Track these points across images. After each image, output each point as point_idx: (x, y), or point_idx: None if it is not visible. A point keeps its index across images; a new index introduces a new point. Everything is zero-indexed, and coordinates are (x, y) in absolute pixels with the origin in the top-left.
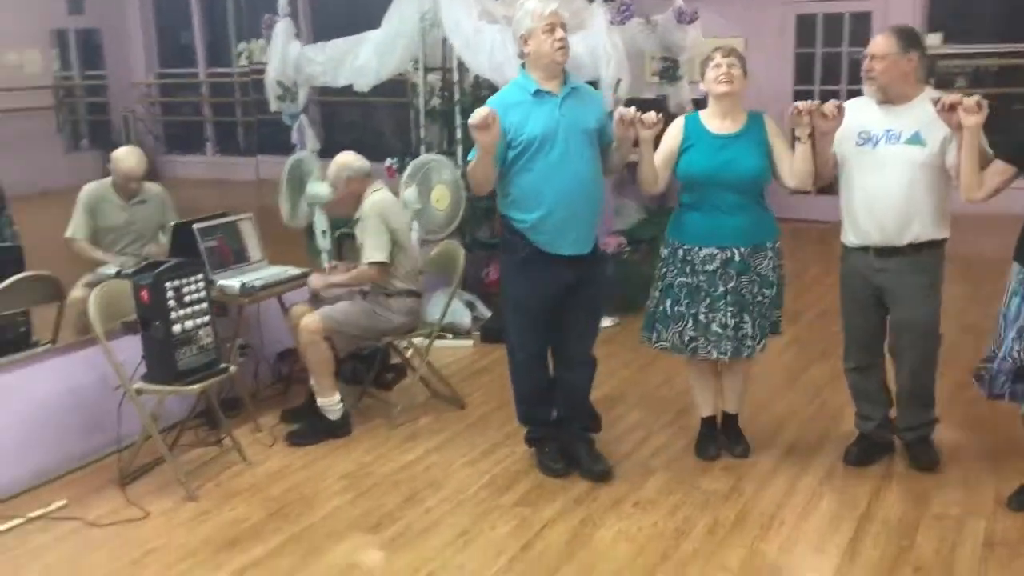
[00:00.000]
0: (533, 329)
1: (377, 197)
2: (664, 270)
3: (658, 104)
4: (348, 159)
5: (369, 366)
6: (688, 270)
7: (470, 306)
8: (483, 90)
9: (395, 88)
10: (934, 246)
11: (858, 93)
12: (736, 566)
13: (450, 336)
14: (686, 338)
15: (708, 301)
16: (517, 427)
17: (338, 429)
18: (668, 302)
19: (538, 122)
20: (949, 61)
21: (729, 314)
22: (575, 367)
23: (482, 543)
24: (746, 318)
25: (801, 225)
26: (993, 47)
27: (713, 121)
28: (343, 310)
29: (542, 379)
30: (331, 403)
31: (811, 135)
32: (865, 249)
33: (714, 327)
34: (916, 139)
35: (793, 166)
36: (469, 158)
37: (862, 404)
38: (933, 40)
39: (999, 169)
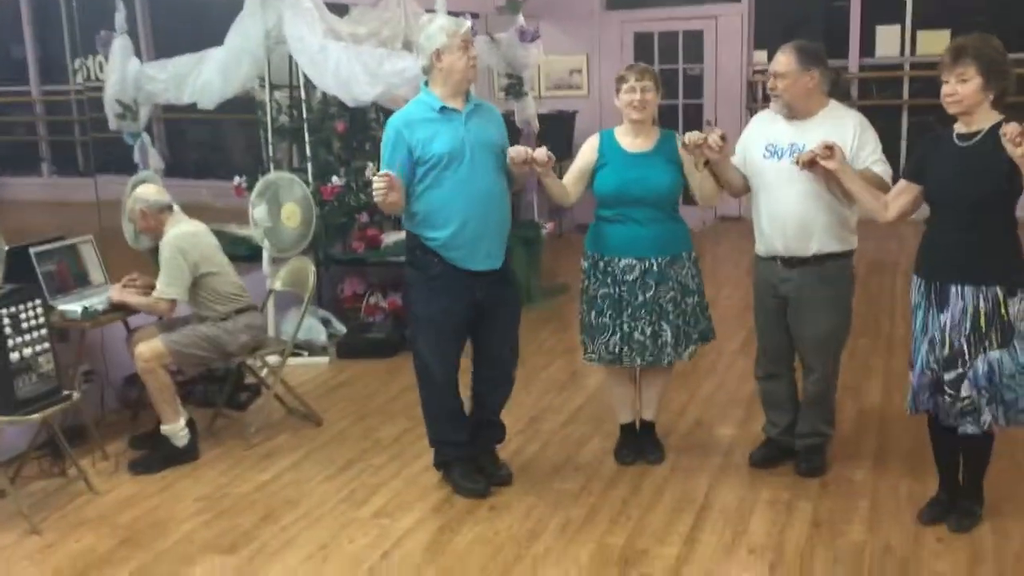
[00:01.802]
0: (446, 349)
1: (177, 231)
2: (586, 282)
3: (504, 119)
4: (143, 192)
5: (222, 387)
6: (609, 281)
7: (325, 323)
8: (331, 107)
9: (245, 105)
10: (839, 257)
11: (697, 108)
12: (586, 560)
13: (305, 353)
14: (612, 347)
15: (630, 311)
16: (375, 441)
17: (183, 455)
18: (592, 313)
19: (445, 139)
20: None
21: (647, 322)
22: (495, 381)
23: (340, 556)
24: (664, 326)
25: None
26: None
27: (626, 139)
28: (185, 333)
29: (455, 401)
30: (175, 429)
31: (706, 163)
32: (773, 259)
33: (636, 335)
34: None
35: (700, 187)
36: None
37: (769, 411)
38: (760, 57)
39: (902, 188)
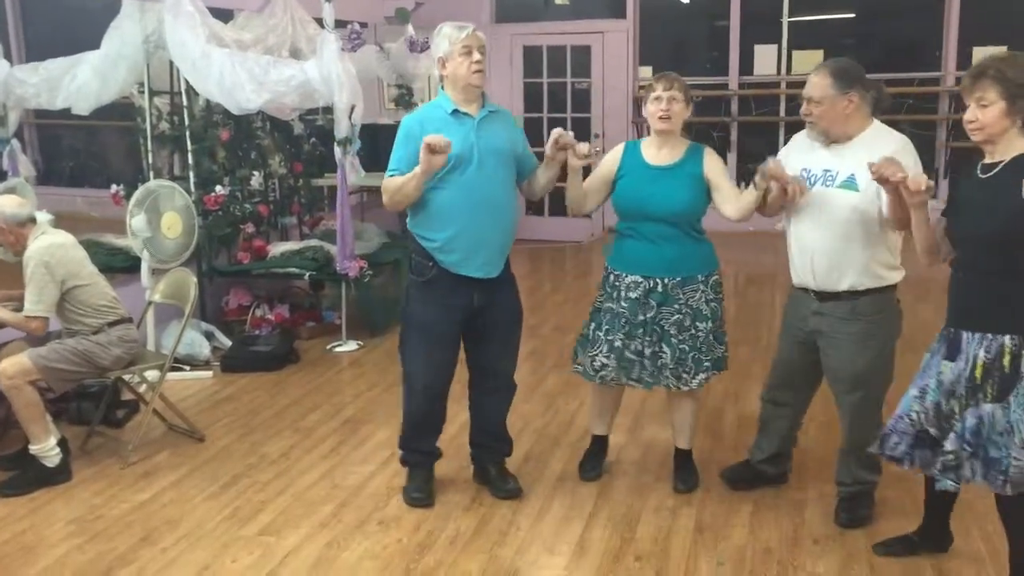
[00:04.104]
0: (435, 355)
1: (40, 244)
2: (600, 293)
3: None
4: (0, 204)
5: (97, 404)
6: (615, 296)
7: (209, 336)
8: (215, 114)
9: (123, 111)
10: (876, 292)
11: (585, 121)
12: (476, 573)
13: (187, 368)
14: (597, 364)
15: (627, 328)
16: (260, 456)
17: (55, 476)
18: (592, 326)
19: (455, 141)
20: None
21: (646, 343)
22: (495, 392)
23: None
24: (664, 348)
25: (537, 245)
26: (698, 79)
27: (651, 151)
28: (53, 348)
29: (436, 410)
30: (45, 449)
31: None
32: (806, 290)
33: (627, 354)
34: (850, 183)
35: (740, 202)
36: (389, 173)
37: (760, 435)
38: (644, 72)
39: (943, 226)
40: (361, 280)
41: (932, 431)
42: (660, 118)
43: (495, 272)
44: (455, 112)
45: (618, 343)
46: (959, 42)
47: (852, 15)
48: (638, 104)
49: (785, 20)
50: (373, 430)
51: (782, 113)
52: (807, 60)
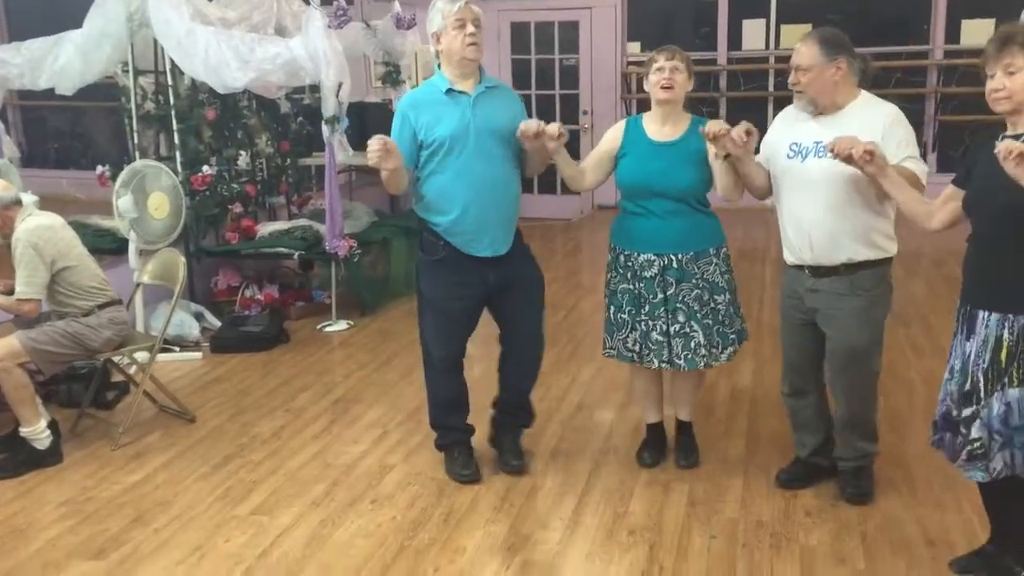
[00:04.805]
0: (448, 332)
1: (28, 226)
2: (609, 275)
3: (382, 108)
4: None
5: (87, 386)
6: (629, 276)
7: (198, 317)
8: (201, 93)
9: (108, 91)
10: (874, 266)
11: (574, 98)
12: (470, 549)
13: (177, 349)
14: (631, 344)
15: (648, 308)
16: (252, 437)
17: (46, 458)
18: (612, 309)
19: (449, 123)
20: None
21: (670, 321)
22: (520, 365)
23: (216, 557)
24: (695, 326)
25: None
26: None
27: (652, 126)
28: (43, 330)
29: (457, 385)
30: (35, 431)
31: (726, 156)
32: (800, 268)
33: (654, 335)
34: None
35: (720, 180)
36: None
37: (797, 431)
38: (632, 48)
39: (949, 195)
40: (351, 259)
41: (955, 413)
42: (663, 87)
43: (503, 249)
44: (450, 91)
45: (642, 325)
46: (947, 16)
47: None
48: (627, 80)
49: None
50: (364, 409)
51: (771, 88)
52: (795, 34)
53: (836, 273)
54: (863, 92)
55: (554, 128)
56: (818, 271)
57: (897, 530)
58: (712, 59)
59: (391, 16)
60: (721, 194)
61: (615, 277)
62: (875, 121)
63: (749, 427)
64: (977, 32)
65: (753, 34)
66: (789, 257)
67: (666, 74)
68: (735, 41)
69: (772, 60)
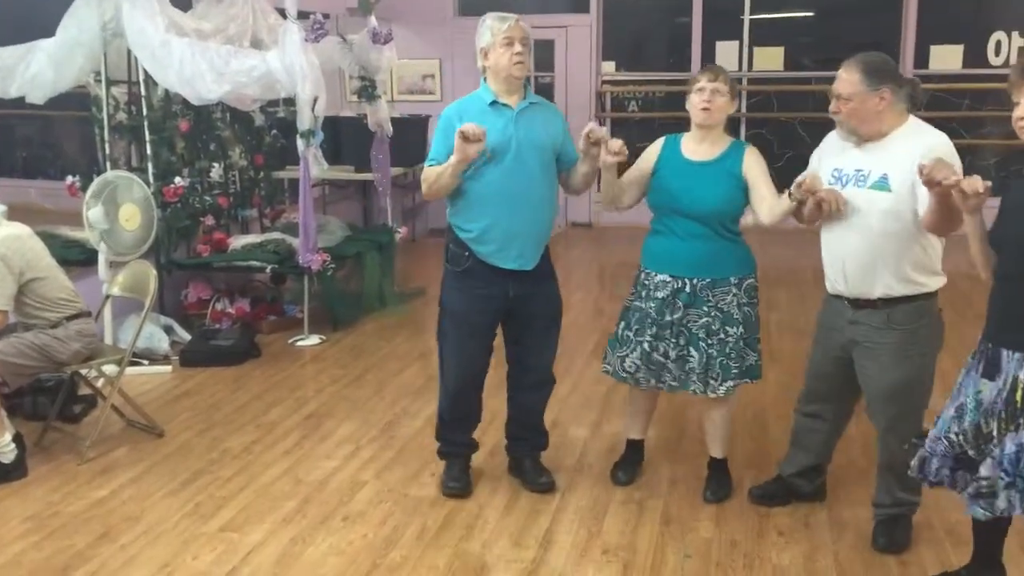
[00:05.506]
0: (465, 346)
1: None
2: (631, 292)
3: (356, 122)
4: None
5: (53, 399)
6: (644, 295)
7: (168, 330)
8: (174, 105)
9: (79, 101)
10: (912, 300)
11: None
12: (443, 567)
13: (146, 362)
14: (627, 364)
15: (655, 329)
16: (222, 452)
17: (10, 472)
18: (621, 325)
19: (492, 133)
20: (622, 87)
21: (672, 345)
22: (533, 387)
23: (184, 574)
24: (692, 352)
25: None
26: (660, 75)
27: (689, 145)
28: (9, 342)
29: (470, 402)
30: (0, 445)
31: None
32: (840, 298)
33: (656, 356)
34: (882, 184)
35: (773, 209)
36: (428, 163)
37: (794, 448)
38: (607, 67)
39: None
40: (323, 273)
41: (971, 453)
42: (702, 109)
43: (530, 264)
44: (494, 103)
45: (646, 345)
46: (916, 42)
47: (811, 13)
48: (601, 98)
49: (747, 17)
50: (336, 425)
51: (743, 109)
52: (767, 57)
53: (873, 307)
54: (911, 118)
55: (617, 144)
56: (857, 303)
57: (869, 550)
58: (685, 80)
59: (367, 31)
60: (769, 222)
61: (633, 294)
62: (920, 148)
63: None
64: (946, 58)
65: (726, 56)
66: (829, 286)
67: (706, 95)
68: (708, 62)
69: (745, 82)
